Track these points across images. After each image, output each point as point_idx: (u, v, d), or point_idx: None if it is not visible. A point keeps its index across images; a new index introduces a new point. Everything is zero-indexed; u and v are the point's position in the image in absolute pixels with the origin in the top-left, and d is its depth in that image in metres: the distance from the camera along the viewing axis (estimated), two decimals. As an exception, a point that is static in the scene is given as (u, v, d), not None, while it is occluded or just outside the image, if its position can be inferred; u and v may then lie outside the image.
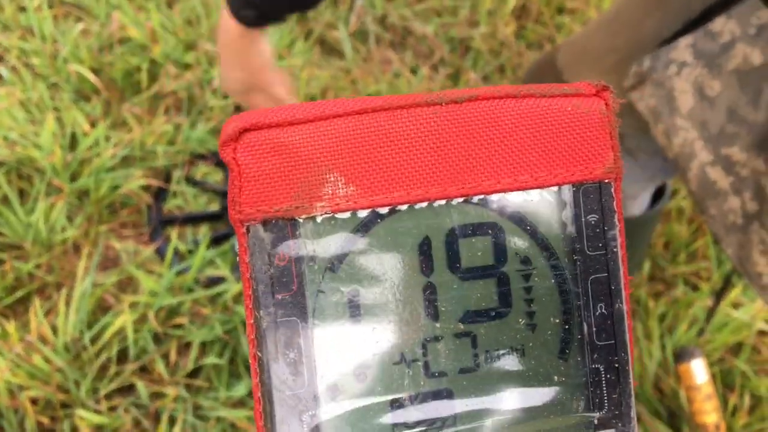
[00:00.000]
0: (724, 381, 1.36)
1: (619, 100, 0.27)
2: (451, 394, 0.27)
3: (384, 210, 0.26)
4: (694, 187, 0.77)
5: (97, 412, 1.14)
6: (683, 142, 0.76)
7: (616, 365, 0.27)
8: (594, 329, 0.27)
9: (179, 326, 1.22)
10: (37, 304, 1.18)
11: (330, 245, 0.25)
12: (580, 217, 0.27)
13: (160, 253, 1.30)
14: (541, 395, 0.27)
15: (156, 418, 1.17)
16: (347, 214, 0.25)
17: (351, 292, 0.26)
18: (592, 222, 0.27)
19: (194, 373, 1.22)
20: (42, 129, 1.32)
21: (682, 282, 1.45)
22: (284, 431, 0.25)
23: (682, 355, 1.30)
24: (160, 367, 1.18)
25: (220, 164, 1.42)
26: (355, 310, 0.26)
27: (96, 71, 1.43)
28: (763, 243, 0.73)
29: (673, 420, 1.32)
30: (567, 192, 0.27)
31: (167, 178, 1.38)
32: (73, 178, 1.33)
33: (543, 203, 0.27)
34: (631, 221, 1.03)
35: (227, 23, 0.91)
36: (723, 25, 0.74)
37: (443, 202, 0.26)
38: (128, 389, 1.19)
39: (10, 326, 1.16)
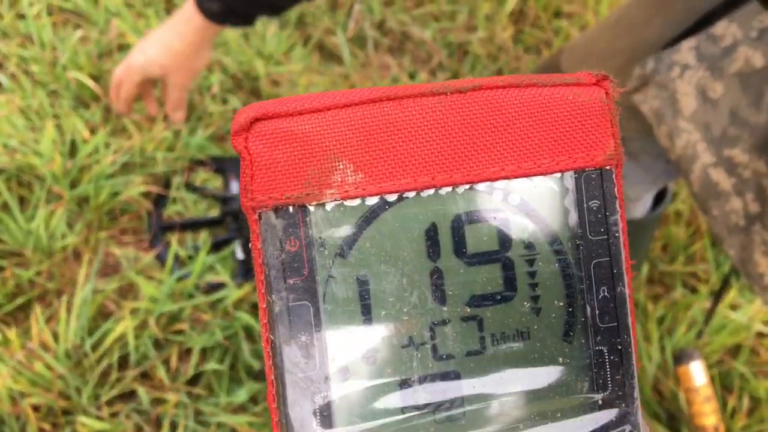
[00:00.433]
0: (723, 383, 1.37)
1: (619, 89, 0.28)
2: (458, 375, 0.27)
3: (392, 197, 0.26)
4: (696, 189, 0.78)
5: (99, 418, 1.14)
6: (686, 143, 0.77)
7: (619, 347, 0.28)
8: (597, 312, 0.28)
9: (180, 332, 1.23)
10: (38, 311, 1.19)
11: (339, 231, 0.26)
12: (582, 202, 0.28)
13: (161, 259, 1.31)
14: (546, 377, 0.28)
15: (157, 424, 1.17)
16: (356, 201, 0.26)
17: (361, 277, 0.26)
18: (594, 207, 0.28)
19: (195, 379, 1.22)
20: (42, 136, 1.32)
21: (681, 284, 1.46)
22: (296, 412, 0.26)
23: (681, 357, 1.30)
24: (161, 373, 1.19)
25: (220, 170, 1.43)
26: (364, 294, 0.27)
27: (95, 78, 1.43)
28: (765, 244, 0.74)
29: (673, 422, 1.33)
30: (569, 178, 0.27)
31: (167, 185, 1.39)
32: (73, 185, 1.34)
33: (546, 189, 0.27)
34: (632, 223, 1.04)
35: (189, 12, 0.89)
36: (725, 29, 0.75)
37: (449, 189, 0.27)
38: (129, 395, 1.19)
39: (11, 333, 1.16)
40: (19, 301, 1.23)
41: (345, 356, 0.26)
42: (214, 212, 1.39)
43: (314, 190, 0.26)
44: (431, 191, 0.26)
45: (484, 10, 1.68)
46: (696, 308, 1.40)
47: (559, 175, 0.27)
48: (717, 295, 1.10)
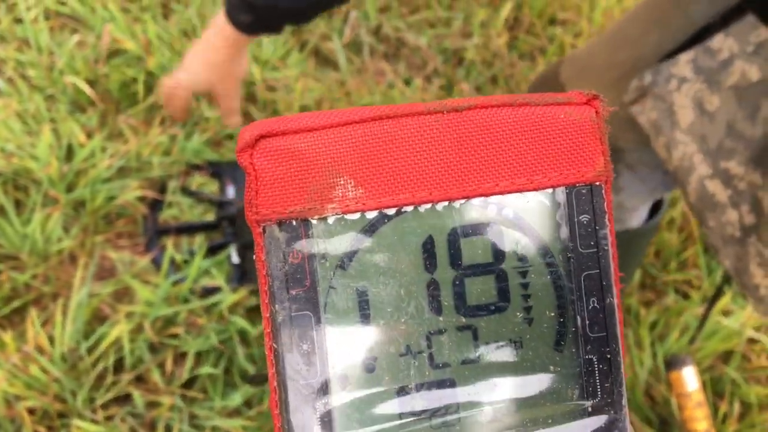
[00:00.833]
0: (714, 388, 1.38)
1: (610, 108, 0.29)
2: (453, 383, 0.28)
3: (391, 211, 0.27)
4: (693, 200, 0.78)
5: (94, 421, 1.15)
6: (683, 155, 0.78)
7: (608, 356, 0.29)
8: (587, 322, 0.29)
9: (175, 336, 1.23)
10: (33, 315, 1.19)
11: (340, 244, 0.27)
12: (573, 217, 0.29)
13: (156, 263, 1.31)
14: (538, 384, 0.29)
15: (152, 427, 1.17)
16: (356, 215, 0.27)
17: (360, 288, 0.27)
18: (584, 222, 0.29)
19: (190, 383, 1.23)
20: (38, 140, 1.33)
21: (673, 290, 1.47)
22: (298, 418, 0.27)
23: (673, 363, 1.31)
24: (156, 377, 1.19)
25: (216, 175, 1.43)
26: (364, 304, 0.28)
27: (92, 83, 1.44)
28: (760, 255, 0.74)
29: (664, 427, 1.34)
30: (561, 194, 0.28)
31: (163, 189, 1.40)
32: (69, 189, 1.34)
33: (538, 204, 0.28)
34: (629, 233, 1.05)
35: (221, 25, 0.91)
36: (722, 43, 0.76)
37: (446, 203, 0.28)
38: (124, 399, 1.20)
39: (7, 336, 1.16)
40: (15, 304, 1.23)
41: (345, 364, 0.27)
42: (210, 216, 1.39)
43: (316, 204, 0.27)
44: (428, 206, 0.27)
45: (479, 17, 1.69)
46: (688, 314, 1.41)
47: (551, 190, 0.28)
48: (711, 302, 1.11)
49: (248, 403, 1.22)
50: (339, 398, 0.27)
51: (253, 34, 0.93)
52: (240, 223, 1.32)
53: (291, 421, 0.27)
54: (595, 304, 0.29)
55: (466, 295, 0.28)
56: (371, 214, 0.27)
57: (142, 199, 1.37)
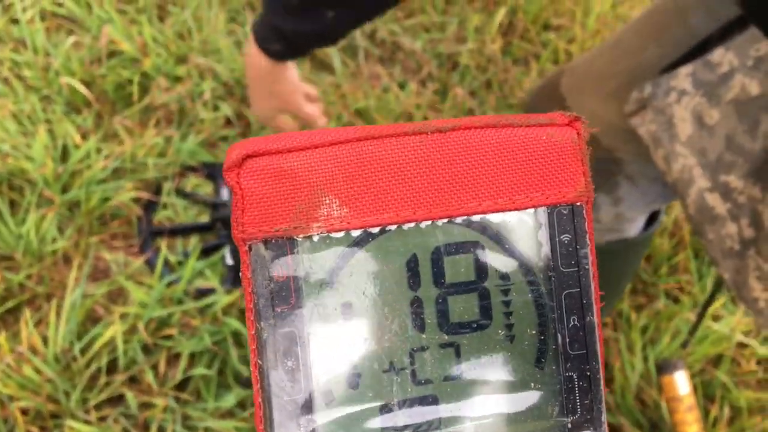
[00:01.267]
0: (705, 392, 1.39)
1: (590, 129, 0.29)
2: (436, 399, 0.29)
3: (375, 229, 0.28)
4: (692, 212, 0.79)
5: (87, 422, 1.15)
6: (682, 168, 0.78)
7: (588, 373, 0.30)
8: (567, 340, 0.29)
9: (168, 337, 1.24)
10: (27, 315, 1.19)
11: (325, 262, 0.28)
12: (554, 236, 0.29)
13: (150, 264, 1.31)
14: (519, 401, 0.29)
15: (145, 428, 1.18)
16: (341, 234, 0.27)
17: (344, 306, 0.28)
18: (565, 241, 0.29)
19: (183, 384, 1.23)
20: (34, 141, 1.33)
21: (664, 295, 1.48)
22: None
23: (665, 367, 1.32)
24: (150, 378, 1.20)
25: (210, 176, 1.44)
26: (348, 321, 0.28)
27: (87, 84, 1.44)
28: (759, 269, 0.75)
29: (655, 430, 1.35)
30: (542, 213, 0.29)
31: (157, 190, 1.40)
32: (64, 189, 1.34)
33: (520, 224, 0.29)
34: (626, 242, 1.05)
35: (255, 57, 0.93)
36: (722, 56, 0.76)
37: (429, 222, 0.28)
38: (117, 400, 1.20)
39: (1, 337, 1.16)
40: (9, 304, 1.24)
41: (329, 381, 0.28)
42: (205, 218, 1.40)
43: (302, 223, 0.27)
44: (412, 224, 0.28)
45: (473, 22, 1.70)
46: (679, 319, 1.42)
47: (532, 210, 0.29)
48: (704, 307, 1.12)
49: (241, 405, 1.22)
50: (323, 415, 0.28)
51: (286, 60, 0.95)
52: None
53: None
54: (576, 322, 0.29)
55: (449, 313, 0.29)
56: (356, 233, 0.28)
57: (136, 200, 1.38)
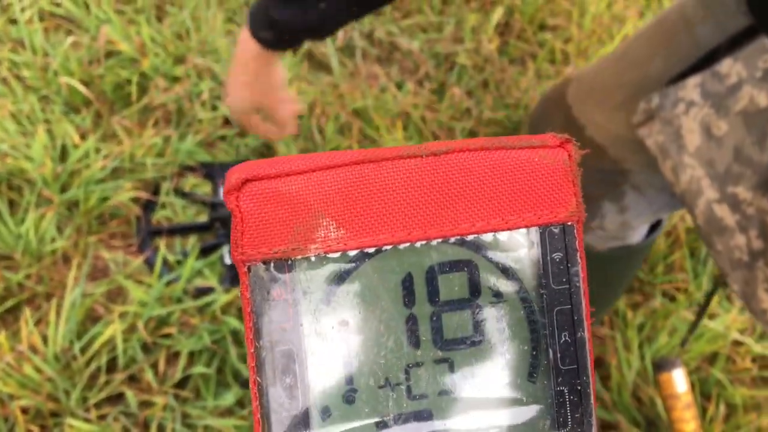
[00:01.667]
0: (701, 390, 1.40)
1: (582, 151, 0.30)
2: (430, 415, 0.29)
3: (371, 250, 0.28)
4: (700, 223, 0.79)
5: (87, 420, 1.16)
6: (690, 179, 0.78)
7: (579, 388, 0.30)
8: (559, 355, 0.30)
9: (168, 336, 1.24)
10: (27, 314, 1.20)
11: (322, 282, 0.28)
12: (546, 255, 0.30)
13: (149, 263, 1.32)
14: (511, 415, 0.30)
15: (145, 426, 1.18)
16: (338, 254, 0.28)
17: (341, 323, 0.29)
18: (557, 259, 0.30)
19: (182, 383, 1.24)
20: (33, 141, 1.33)
21: (660, 293, 1.49)
22: None
23: (663, 365, 1.33)
24: (149, 377, 1.20)
25: (209, 176, 1.44)
26: (344, 339, 0.29)
27: (86, 84, 1.45)
28: None
29: (651, 428, 1.36)
30: (534, 233, 0.30)
31: (156, 190, 1.41)
32: (63, 189, 1.35)
33: (513, 243, 0.30)
34: (629, 249, 1.06)
35: (246, 43, 0.93)
36: (730, 68, 0.76)
37: (424, 242, 0.29)
38: (117, 398, 1.21)
39: (1, 336, 1.17)
40: (9, 304, 1.24)
41: (326, 397, 0.29)
42: (203, 218, 1.40)
43: (300, 244, 0.28)
44: (407, 244, 0.29)
45: (470, 22, 1.71)
46: (675, 317, 1.44)
47: (525, 230, 0.30)
48: (703, 307, 1.12)
49: (240, 403, 1.23)
50: (321, 430, 0.29)
51: (276, 50, 0.95)
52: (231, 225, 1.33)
53: None
54: (567, 338, 0.30)
55: (443, 330, 0.30)
56: (352, 253, 0.28)
57: (135, 200, 1.38)
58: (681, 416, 1.32)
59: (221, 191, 1.43)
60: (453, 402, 0.30)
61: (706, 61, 0.80)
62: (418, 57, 1.67)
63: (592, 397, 0.31)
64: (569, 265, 0.30)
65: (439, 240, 0.29)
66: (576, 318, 0.30)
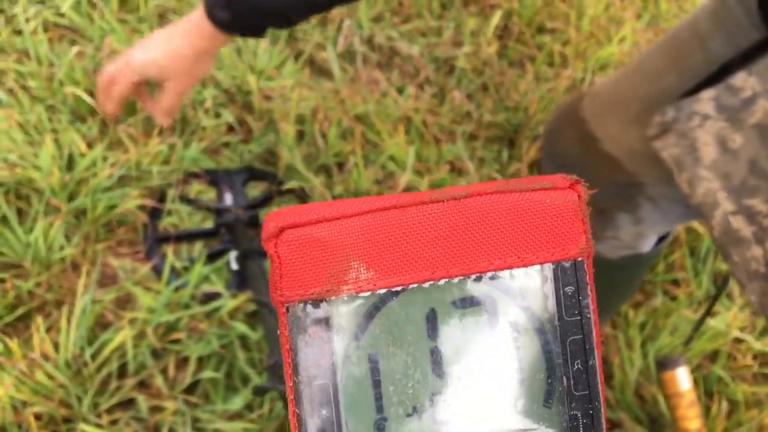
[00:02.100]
0: (703, 387, 1.42)
1: (590, 191, 0.32)
2: None
3: (398, 288, 0.31)
4: (717, 234, 0.79)
5: (99, 426, 1.17)
6: (706, 191, 0.79)
7: (591, 412, 0.33)
8: (572, 382, 0.33)
9: (177, 341, 1.26)
10: (39, 322, 1.22)
11: (354, 319, 0.31)
12: (558, 289, 0.32)
13: (157, 270, 1.34)
14: (532, 429, 0.33)
15: (156, 431, 1.20)
16: (368, 293, 0.31)
17: (372, 357, 0.31)
18: (569, 293, 0.32)
19: (192, 387, 1.26)
20: (40, 150, 1.35)
21: (661, 292, 1.51)
22: None
23: (666, 364, 1.36)
24: (159, 382, 1.22)
25: (213, 182, 1.46)
26: (375, 371, 0.31)
27: (91, 93, 1.47)
28: None
29: (654, 426, 1.38)
30: (548, 269, 0.32)
31: (162, 197, 1.42)
32: (71, 198, 1.37)
33: (528, 278, 0.32)
34: (640, 257, 1.08)
35: (198, 18, 0.90)
36: (744, 81, 0.76)
37: (446, 280, 0.31)
38: (128, 403, 1.23)
39: (13, 343, 1.19)
40: (20, 312, 1.26)
41: (359, 427, 0.31)
42: (209, 224, 1.42)
43: (333, 286, 0.30)
44: (431, 282, 0.31)
45: (469, 26, 1.73)
46: (676, 315, 1.46)
47: (539, 266, 0.32)
48: (708, 308, 1.13)
49: (249, 407, 1.25)
50: None
51: (231, 33, 0.91)
52: (239, 231, 1.35)
53: None
54: (579, 366, 0.33)
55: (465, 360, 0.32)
56: (381, 291, 0.31)
57: (142, 207, 1.40)
58: (685, 414, 1.34)
59: (226, 197, 1.45)
60: (475, 426, 0.32)
61: (720, 74, 0.81)
62: (418, 61, 1.69)
63: (603, 420, 0.33)
64: (580, 297, 0.32)
65: (460, 277, 0.31)
66: (588, 347, 0.33)
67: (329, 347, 0.31)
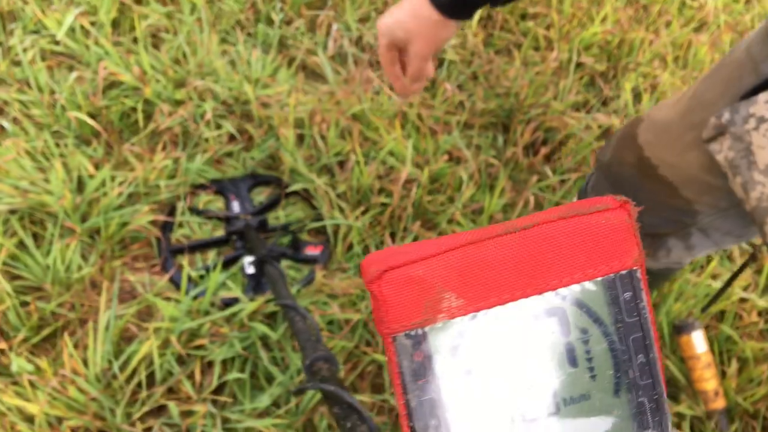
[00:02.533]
0: (712, 347, 1.46)
1: (638, 208, 0.38)
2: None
3: (484, 311, 0.37)
4: None
5: (133, 434, 1.21)
6: (760, 195, 0.79)
7: (655, 397, 0.39)
8: (637, 374, 0.39)
9: (201, 347, 1.30)
10: (66, 340, 1.26)
11: (450, 341, 0.37)
12: (619, 295, 0.38)
13: (174, 281, 1.38)
14: (604, 425, 0.39)
15: (189, 434, 1.24)
16: (459, 318, 0.37)
17: (468, 372, 0.37)
18: (628, 298, 0.38)
19: (219, 389, 1.29)
20: (50, 175, 1.39)
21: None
22: None
23: (683, 327, 1.40)
24: (187, 387, 1.26)
25: (220, 192, 1.50)
26: (473, 383, 0.37)
27: (93, 116, 1.51)
28: None
29: (670, 388, 1.42)
30: (609, 280, 0.38)
31: (172, 211, 1.46)
32: (84, 218, 1.40)
33: (593, 290, 0.38)
34: (681, 265, 1.11)
35: (421, 7, 0.91)
36: None
37: (524, 298, 0.37)
38: (159, 410, 1.27)
39: (44, 362, 1.23)
40: (45, 332, 1.30)
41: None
42: (219, 232, 1.46)
43: (430, 315, 0.36)
44: (512, 302, 0.37)
45: (454, 19, 1.77)
46: (682, 281, 1.50)
47: (601, 278, 0.38)
48: (730, 278, 1.14)
49: (276, 404, 1.29)
50: None
51: (451, 18, 0.92)
52: (251, 237, 1.39)
53: None
54: (642, 359, 0.39)
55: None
56: (470, 315, 0.37)
57: (153, 222, 1.44)
58: (702, 375, 1.38)
59: (234, 205, 1.49)
60: (558, 420, 0.38)
61: None
62: (408, 57, 1.73)
63: (666, 403, 0.39)
64: (637, 301, 0.38)
65: (536, 296, 0.37)
66: (647, 342, 0.39)
67: (431, 367, 0.37)
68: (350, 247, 1.47)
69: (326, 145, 1.55)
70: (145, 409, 1.23)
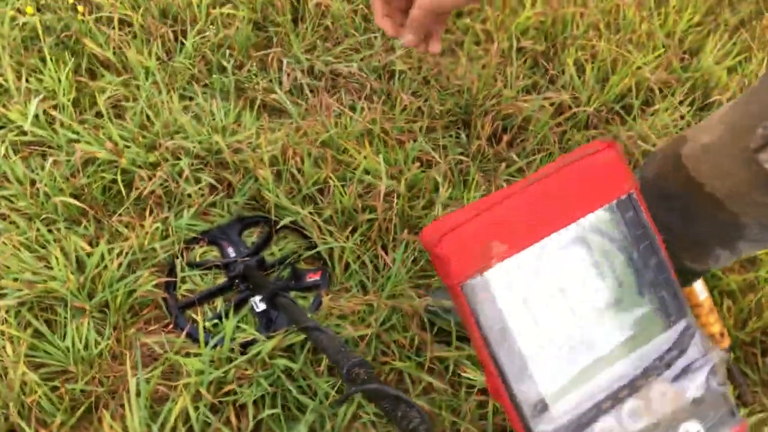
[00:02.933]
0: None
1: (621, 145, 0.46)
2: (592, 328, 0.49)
3: (524, 250, 0.46)
4: None
5: (187, 488, 1.27)
6: None
7: (673, 289, 0.49)
8: (654, 273, 0.48)
9: (230, 392, 1.36)
10: (104, 413, 1.31)
11: (505, 278, 0.46)
12: (624, 216, 0.48)
13: (191, 335, 1.43)
14: (634, 317, 0.48)
15: (239, 476, 1.30)
16: (507, 259, 0.46)
17: (525, 299, 0.46)
18: (631, 215, 0.48)
19: (256, 429, 1.35)
20: (51, 261, 1.44)
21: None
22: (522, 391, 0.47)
23: (684, 280, 1.48)
24: (227, 433, 1.32)
25: (212, 241, 1.56)
26: (530, 307, 0.46)
27: (77, 196, 1.55)
28: None
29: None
30: (613, 206, 0.48)
31: (172, 269, 1.52)
32: (91, 295, 1.45)
33: (604, 215, 0.48)
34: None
35: None
36: None
37: (553, 233, 0.47)
38: (206, 460, 1.32)
39: (87, 440, 1.28)
40: (79, 412, 1.34)
41: (530, 348, 0.47)
42: (221, 279, 1.52)
43: (486, 262, 0.45)
44: (543, 238, 0.47)
45: (396, 31, 1.84)
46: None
47: (607, 205, 0.48)
48: None
49: (312, 430, 1.35)
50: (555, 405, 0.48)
51: None
52: (255, 277, 1.45)
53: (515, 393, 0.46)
54: (654, 261, 0.48)
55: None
56: (515, 255, 0.46)
57: (157, 284, 1.49)
58: (706, 321, 1.47)
59: (228, 251, 1.55)
60: (602, 313, 0.47)
61: None
62: (360, 76, 1.80)
63: (680, 293, 0.48)
64: (639, 216, 0.48)
65: (562, 229, 0.47)
66: (655, 246, 0.48)
67: (494, 303, 0.45)
68: (347, 266, 1.54)
69: (303, 177, 1.62)
70: (193, 462, 1.29)
